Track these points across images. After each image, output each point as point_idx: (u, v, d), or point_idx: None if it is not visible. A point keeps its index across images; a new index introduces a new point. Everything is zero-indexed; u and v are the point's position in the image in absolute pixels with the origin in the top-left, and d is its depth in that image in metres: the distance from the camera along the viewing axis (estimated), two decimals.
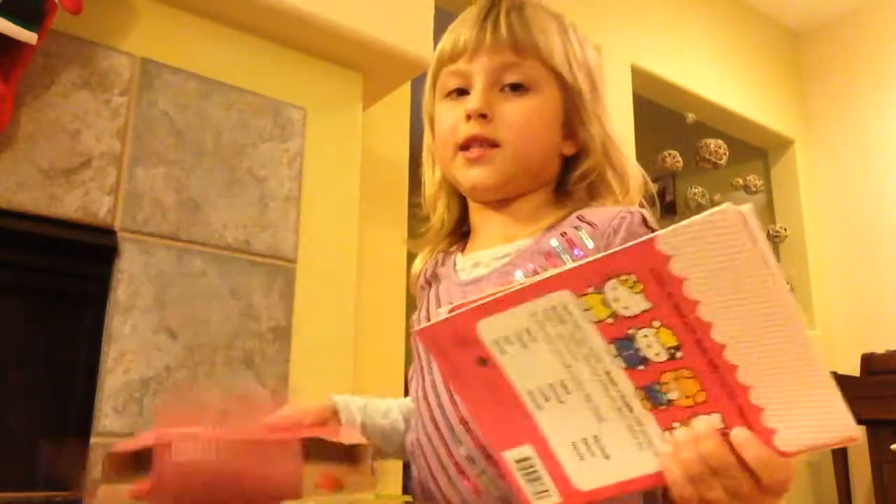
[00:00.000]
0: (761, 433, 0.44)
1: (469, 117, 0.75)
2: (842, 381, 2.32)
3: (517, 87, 0.75)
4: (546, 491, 0.49)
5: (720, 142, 2.95)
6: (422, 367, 0.81)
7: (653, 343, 0.45)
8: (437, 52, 0.81)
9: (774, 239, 3.26)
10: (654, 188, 0.84)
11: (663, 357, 0.45)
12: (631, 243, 0.44)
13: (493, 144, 0.75)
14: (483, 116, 0.75)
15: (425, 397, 0.78)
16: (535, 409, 0.49)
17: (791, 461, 0.45)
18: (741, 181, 3.17)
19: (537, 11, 0.78)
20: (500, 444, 0.50)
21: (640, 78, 2.86)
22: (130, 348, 1.31)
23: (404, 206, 2.09)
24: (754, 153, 3.53)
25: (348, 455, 0.63)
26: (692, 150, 2.95)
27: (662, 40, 3.01)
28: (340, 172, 1.69)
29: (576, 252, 0.73)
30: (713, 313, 0.43)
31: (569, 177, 0.79)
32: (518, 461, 0.49)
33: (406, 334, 2.00)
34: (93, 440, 1.25)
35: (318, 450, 0.58)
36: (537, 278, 0.47)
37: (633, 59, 2.84)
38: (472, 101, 0.75)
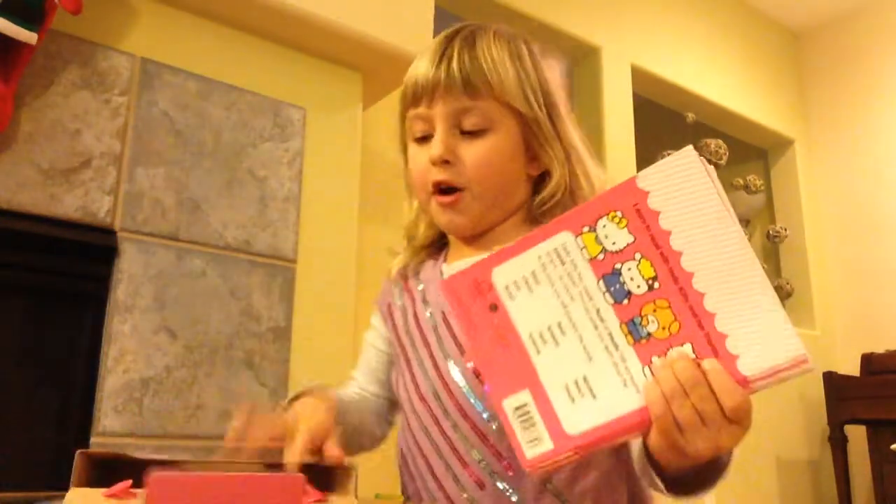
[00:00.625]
0: (725, 359, 0.48)
1: (434, 163, 0.79)
2: (842, 381, 2.31)
3: (475, 132, 0.78)
4: (538, 438, 0.50)
5: (720, 142, 2.95)
6: (408, 362, 0.83)
7: (635, 275, 0.50)
8: (402, 90, 0.85)
9: (774, 239, 3.26)
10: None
11: (643, 289, 0.50)
12: (618, 183, 0.51)
13: (458, 189, 0.79)
14: (446, 162, 0.78)
15: (422, 399, 0.79)
16: (534, 354, 0.52)
17: (748, 395, 0.48)
18: (741, 181, 3.17)
19: (489, 43, 0.80)
20: (501, 392, 0.52)
21: (640, 78, 2.86)
22: (130, 348, 1.31)
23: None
24: (754, 153, 3.53)
25: (334, 477, 0.64)
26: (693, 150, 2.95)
27: (662, 40, 3.01)
28: (340, 172, 1.69)
29: None
30: (682, 243, 0.49)
31: (538, 198, 0.82)
32: (516, 409, 0.51)
33: None
34: (93, 440, 1.25)
35: (307, 474, 0.58)
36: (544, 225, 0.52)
37: (633, 59, 2.84)
38: (434, 149, 0.79)
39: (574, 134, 0.83)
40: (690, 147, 0.50)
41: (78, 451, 0.56)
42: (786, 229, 3.28)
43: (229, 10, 1.53)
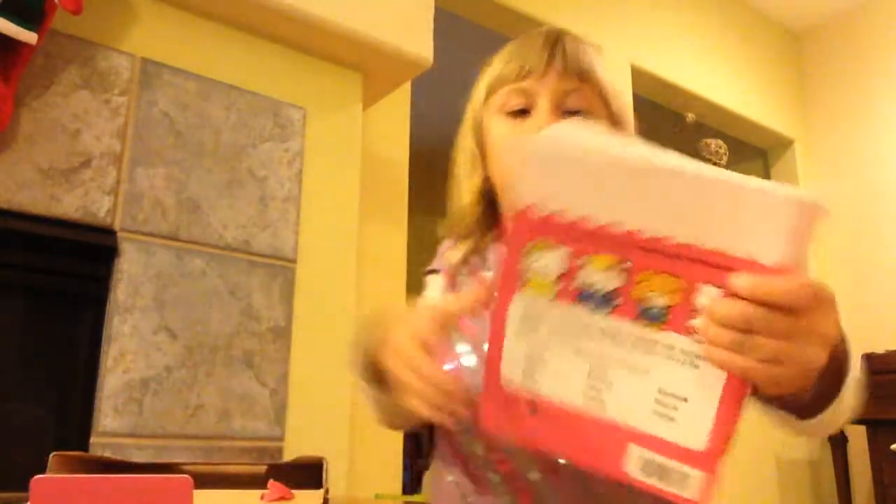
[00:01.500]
0: (746, 266, 0.41)
1: None
2: None
3: (576, 113, 0.80)
4: (684, 477, 0.44)
5: (720, 142, 2.95)
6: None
7: (598, 276, 0.46)
8: (497, 73, 0.84)
9: None
10: None
11: (617, 279, 0.46)
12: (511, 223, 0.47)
13: None
14: None
15: None
16: (600, 411, 0.47)
17: (799, 276, 0.41)
18: None
19: (588, 45, 0.85)
20: (615, 464, 0.47)
21: (640, 78, 2.86)
22: (130, 348, 1.31)
23: (404, 206, 2.09)
24: (754, 153, 3.53)
25: (303, 473, 0.63)
26: (692, 150, 2.95)
27: (662, 40, 3.01)
28: (340, 172, 1.69)
29: None
30: (609, 212, 0.45)
31: None
32: (641, 470, 0.46)
33: None
34: (93, 440, 1.25)
35: (275, 471, 0.57)
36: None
37: (633, 59, 2.84)
38: (543, 120, 0.78)
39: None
40: (539, 135, 0.47)
41: (53, 454, 0.56)
42: None
43: (229, 10, 1.53)
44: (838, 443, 2.80)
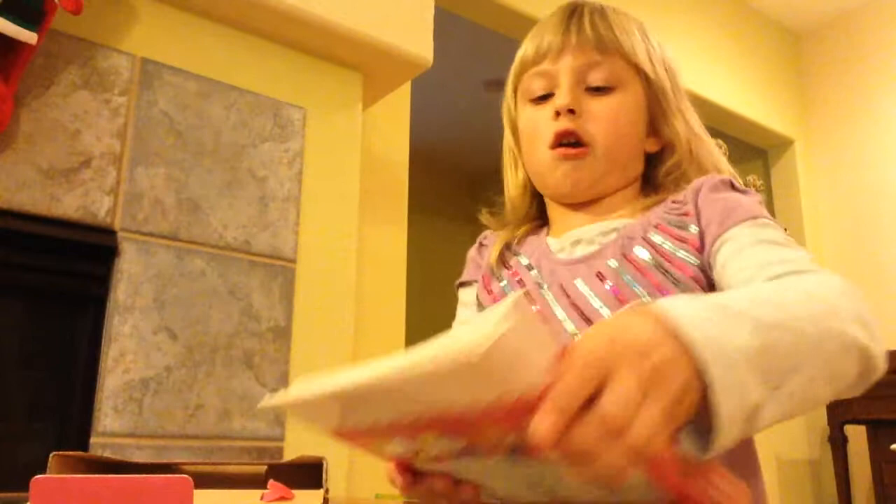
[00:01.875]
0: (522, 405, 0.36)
1: (558, 114, 0.76)
2: None
3: (602, 88, 0.76)
4: None
5: (720, 142, 2.95)
6: None
7: (436, 444, 0.42)
8: (518, 57, 0.82)
9: None
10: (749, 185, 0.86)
11: (450, 446, 0.42)
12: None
13: (583, 143, 0.76)
14: (572, 112, 0.75)
15: None
16: None
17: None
18: (741, 181, 3.17)
19: (618, 14, 0.80)
20: None
21: None
22: (130, 348, 1.31)
23: (404, 206, 2.09)
24: (754, 153, 3.53)
25: (303, 473, 0.63)
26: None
27: (662, 40, 3.01)
28: (340, 172, 1.69)
29: (690, 228, 0.72)
30: (391, 415, 0.41)
31: (655, 172, 0.79)
32: None
33: (406, 333, 2.00)
34: (93, 440, 1.25)
35: (275, 471, 0.57)
36: None
37: None
38: (561, 98, 0.76)
39: (694, 115, 0.81)
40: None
41: (53, 454, 0.56)
42: (786, 229, 3.28)
43: (229, 10, 1.53)
44: (838, 443, 2.80)
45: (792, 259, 0.62)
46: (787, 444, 2.97)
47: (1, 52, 1.20)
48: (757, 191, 3.34)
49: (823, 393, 0.47)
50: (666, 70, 0.80)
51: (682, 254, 0.70)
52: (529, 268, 0.79)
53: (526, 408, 0.36)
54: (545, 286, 0.76)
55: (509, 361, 0.34)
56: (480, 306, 0.83)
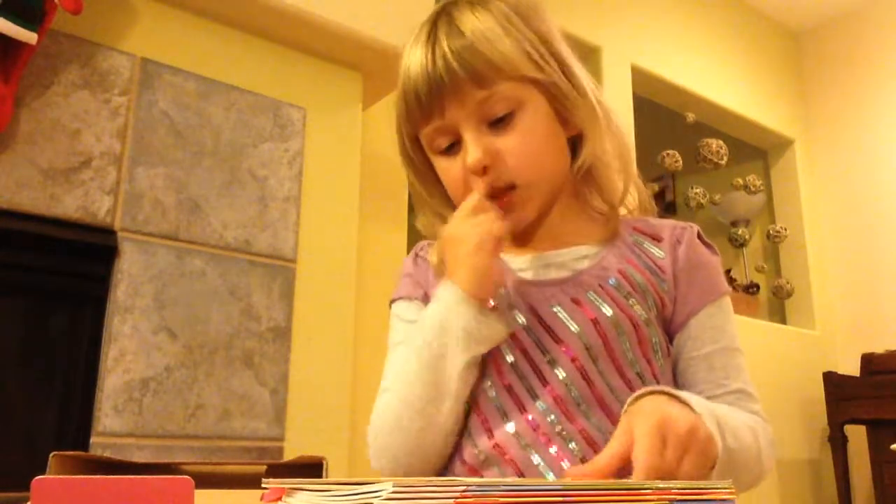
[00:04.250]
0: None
1: (474, 172, 0.73)
2: (842, 381, 2.31)
3: (502, 118, 0.72)
4: None
5: (720, 142, 2.95)
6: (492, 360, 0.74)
7: None
8: (401, 103, 0.75)
9: (774, 239, 3.26)
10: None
11: None
12: None
13: (509, 185, 0.73)
14: (486, 168, 0.72)
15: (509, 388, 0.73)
16: None
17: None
18: (741, 181, 3.17)
19: (470, 17, 0.72)
20: None
21: (640, 78, 2.86)
22: (130, 348, 1.31)
23: (404, 206, 2.09)
24: (754, 153, 3.53)
25: (302, 473, 0.63)
26: (692, 150, 2.95)
27: (662, 40, 3.01)
28: (340, 172, 1.69)
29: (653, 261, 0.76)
30: None
31: (576, 163, 0.77)
32: None
33: None
34: (93, 440, 1.25)
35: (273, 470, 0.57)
36: None
37: (633, 59, 2.84)
38: (470, 156, 0.71)
39: (588, 84, 0.77)
40: None
41: (53, 454, 0.56)
42: (786, 229, 3.28)
43: (229, 10, 1.53)
44: (838, 443, 2.80)
45: (739, 379, 0.76)
46: (787, 444, 2.97)
47: (1, 52, 1.20)
48: (757, 191, 3.33)
49: (745, 478, 0.67)
50: (546, 51, 0.74)
51: (651, 297, 0.74)
52: None
53: None
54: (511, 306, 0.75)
55: None
56: None
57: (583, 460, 0.68)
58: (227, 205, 1.48)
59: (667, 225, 0.79)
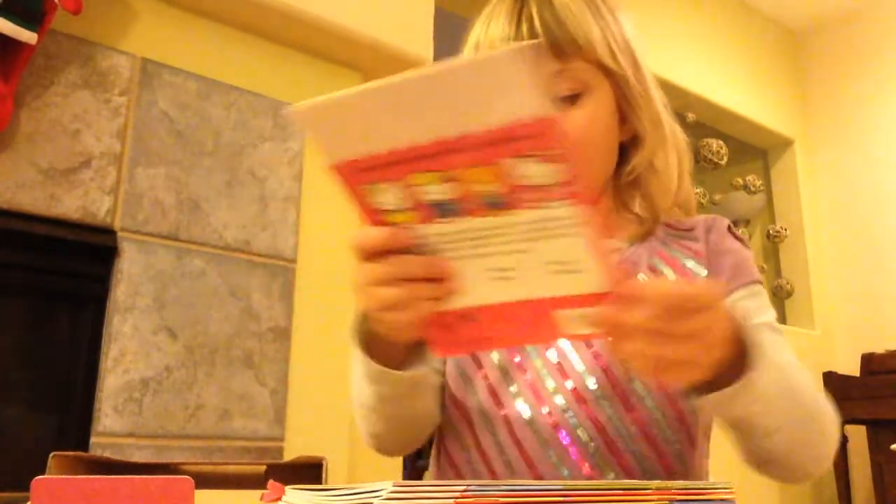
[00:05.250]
0: (520, 127, 0.43)
1: None
2: (842, 381, 2.31)
3: (568, 97, 0.70)
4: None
5: (720, 142, 2.95)
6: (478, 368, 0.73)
7: (435, 190, 0.46)
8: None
9: (774, 239, 3.26)
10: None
11: (449, 189, 0.46)
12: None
13: None
14: None
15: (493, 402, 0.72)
16: (518, 296, 0.50)
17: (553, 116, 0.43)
18: (741, 181, 3.17)
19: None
20: (548, 335, 0.56)
21: None
22: (130, 348, 1.31)
23: None
24: (754, 153, 3.53)
25: (304, 472, 0.63)
26: (692, 149, 2.95)
27: (662, 40, 3.01)
28: None
29: (687, 262, 0.73)
30: (396, 140, 0.46)
31: (627, 167, 0.76)
32: (571, 326, 0.50)
33: None
34: (93, 440, 1.25)
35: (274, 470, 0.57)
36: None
37: None
38: None
39: (657, 95, 0.76)
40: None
41: (53, 454, 0.56)
42: (786, 229, 3.28)
43: (229, 10, 1.53)
44: (838, 443, 2.80)
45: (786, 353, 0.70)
46: None
47: (1, 52, 1.20)
48: (757, 191, 3.32)
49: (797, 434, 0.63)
50: (626, 51, 0.74)
51: None
52: None
53: (516, 135, 0.42)
54: None
55: (503, 81, 0.41)
56: None
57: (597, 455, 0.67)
58: (227, 205, 1.48)
59: (699, 218, 0.78)
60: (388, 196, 0.48)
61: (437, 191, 0.47)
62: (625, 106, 0.74)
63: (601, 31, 0.71)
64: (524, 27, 0.70)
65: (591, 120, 0.72)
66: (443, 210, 0.48)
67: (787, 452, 0.63)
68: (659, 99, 0.77)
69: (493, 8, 0.74)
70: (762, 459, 0.65)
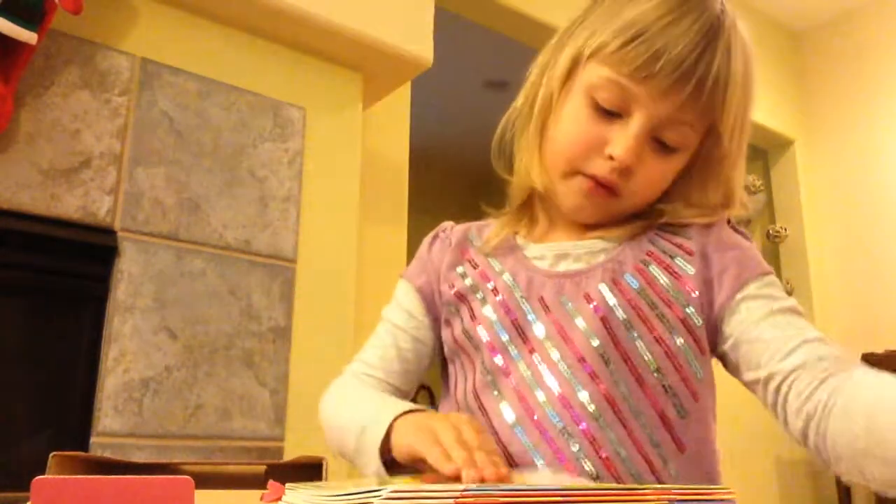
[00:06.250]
0: None
1: (611, 158, 0.69)
2: None
3: (667, 147, 0.69)
4: None
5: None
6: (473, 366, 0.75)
7: None
8: (605, 44, 0.68)
9: (774, 239, 3.26)
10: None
11: None
12: None
13: (617, 193, 0.71)
14: (627, 169, 0.69)
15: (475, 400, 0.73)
16: None
17: None
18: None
19: (737, 50, 0.70)
20: None
21: None
22: (130, 348, 1.31)
23: (404, 206, 2.09)
24: (754, 153, 3.53)
25: (304, 472, 0.64)
26: None
27: None
28: (340, 172, 1.69)
29: (678, 261, 0.72)
30: None
31: (668, 211, 0.74)
32: None
33: None
34: (93, 440, 1.25)
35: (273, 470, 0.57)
36: None
37: None
38: (624, 153, 0.67)
39: (741, 174, 0.75)
40: None
41: (53, 454, 0.55)
42: (786, 229, 3.28)
43: (229, 10, 1.53)
44: None
45: (809, 335, 0.67)
46: (787, 445, 2.97)
47: (1, 52, 1.20)
48: (757, 191, 3.32)
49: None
50: (742, 125, 0.71)
51: (674, 293, 0.70)
52: (502, 272, 0.76)
53: None
54: (522, 295, 0.73)
55: None
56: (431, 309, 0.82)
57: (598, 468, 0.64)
58: (227, 205, 1.48)
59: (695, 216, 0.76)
60: None
61: None
62: (703, 164, 0.73)
63: (740, 106, 0.70)
64: (703, 63, 0.66)
65: (668, 173, 0.72)
66: None
67: None
68: (740, 173, 0.75)
69: (671, 22, 0.67)
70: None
